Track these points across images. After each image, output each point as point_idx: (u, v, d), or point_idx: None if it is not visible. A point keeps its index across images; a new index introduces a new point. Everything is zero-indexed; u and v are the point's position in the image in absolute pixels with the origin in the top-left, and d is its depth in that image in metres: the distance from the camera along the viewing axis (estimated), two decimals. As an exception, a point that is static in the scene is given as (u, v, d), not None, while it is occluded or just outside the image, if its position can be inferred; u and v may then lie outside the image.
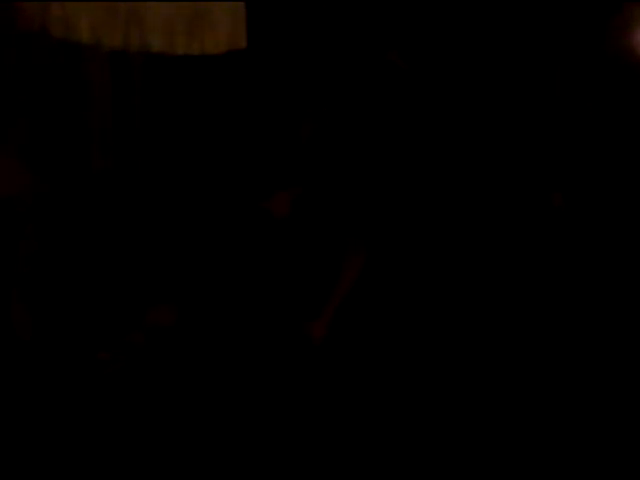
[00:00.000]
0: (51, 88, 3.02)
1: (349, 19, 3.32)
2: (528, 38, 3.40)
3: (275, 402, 2.81)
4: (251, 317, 2.91)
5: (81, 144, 3.11)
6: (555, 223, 3.31)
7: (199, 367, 2.84)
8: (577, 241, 3.29)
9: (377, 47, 3.32)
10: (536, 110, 3.41)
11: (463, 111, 3.38)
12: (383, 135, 3.26)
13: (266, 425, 2.77)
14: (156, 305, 2.93)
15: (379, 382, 2.94)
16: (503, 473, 2.78)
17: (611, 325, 3.17)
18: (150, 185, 3.18)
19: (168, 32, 2.19)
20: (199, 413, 2.75)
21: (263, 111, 3.26)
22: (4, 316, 2.76)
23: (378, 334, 3.01)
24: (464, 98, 3.39)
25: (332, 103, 3.26)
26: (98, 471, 2.56)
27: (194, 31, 2.23)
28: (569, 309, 3.20)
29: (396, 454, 2.79)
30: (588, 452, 2.81)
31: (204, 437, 2.70)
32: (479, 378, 3.03)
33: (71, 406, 2.65)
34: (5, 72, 2.93)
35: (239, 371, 2.85)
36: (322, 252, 2.96)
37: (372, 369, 2.95)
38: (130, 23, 2.14)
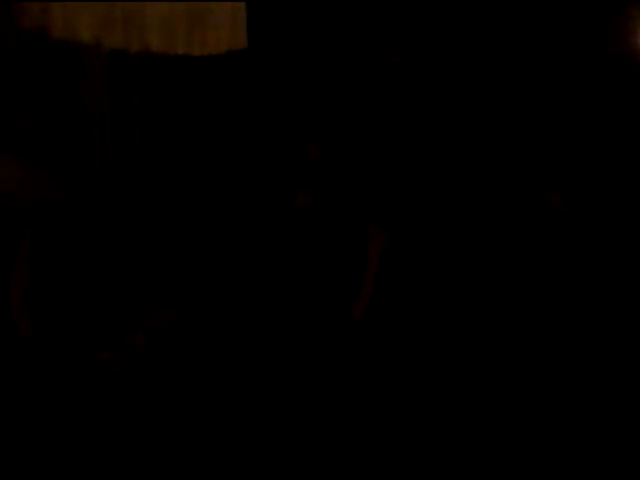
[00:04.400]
0: (51, 88, 3.03)
1: (348, 17, 3.32)
2: (529, 37, 3.40)
3: (275, 402, 2.81)
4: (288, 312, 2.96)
5: (82, 145, 3.11)
6: (555, 224, 3.30)
7: (199, 368, 2.84)
8: (577, 242, 3.29)
9: (377, 46, 3.32)
10: (536, 110, 3.41)
11: (463, 111, 3.38)
12: (385, 133, 3.27)
13: (268, 425, 2.77)
14: (157, 306, 2.93)
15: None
16: (503, 473, 2.78)
17: (612, 326, 3.17)
18: (152, 186, 3.18)
19: (168, 32, 2.19)
20: (199, 414, 2.75)
21: (264, 111, 3.26)
22: (4, 316, 2.76)
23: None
24: (465, 99, 3.39)
25: (337, 104, 3.26)
26: (98, 471, 2.56)
27: (194, 31, 2.23)
28: (570, 309, 3.20)
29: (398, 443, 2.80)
30: (588, 452, 2.81)
31: (204, 437, 2.70)
32: (479, 377, 3.04)
33: (71, 406, 2.65)
34: (5, 72, 2.94)
35: (240, 372, 2.86)
36: (344, 241, 3.02)
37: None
38: (130, 23, 2.14)
